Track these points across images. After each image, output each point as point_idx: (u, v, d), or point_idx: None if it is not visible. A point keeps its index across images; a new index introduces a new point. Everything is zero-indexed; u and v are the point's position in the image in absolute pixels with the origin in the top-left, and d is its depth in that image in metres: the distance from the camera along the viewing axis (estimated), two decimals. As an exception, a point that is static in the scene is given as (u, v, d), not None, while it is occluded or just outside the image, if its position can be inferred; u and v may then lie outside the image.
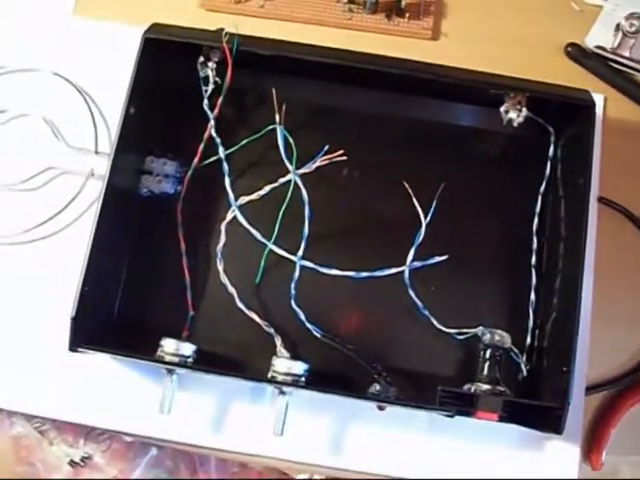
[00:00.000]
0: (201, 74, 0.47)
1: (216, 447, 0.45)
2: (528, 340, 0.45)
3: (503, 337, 0.43)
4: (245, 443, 0.44)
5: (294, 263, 0.42)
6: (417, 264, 0.40)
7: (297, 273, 0.42)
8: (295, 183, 0.42)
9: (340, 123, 0.48)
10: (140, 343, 0.44)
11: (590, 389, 0.46)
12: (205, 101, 0.46)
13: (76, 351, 0.41)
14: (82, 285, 0.41)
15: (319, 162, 0.40)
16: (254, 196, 0.43)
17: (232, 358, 0.45)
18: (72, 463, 0.56)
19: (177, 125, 0.48)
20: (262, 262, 0.43)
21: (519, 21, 0.52)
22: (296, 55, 0.43)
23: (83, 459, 0.56)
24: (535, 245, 0.46)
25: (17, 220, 0.47)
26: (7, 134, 0.49)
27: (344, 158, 0.40)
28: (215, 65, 0.46)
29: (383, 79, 0.45)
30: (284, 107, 0.43)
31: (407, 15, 0.50)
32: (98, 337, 0.42)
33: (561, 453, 0.45)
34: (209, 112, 0.46)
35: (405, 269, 0.41)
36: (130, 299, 0.46)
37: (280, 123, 0.42)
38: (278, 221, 0.42)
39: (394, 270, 0.40)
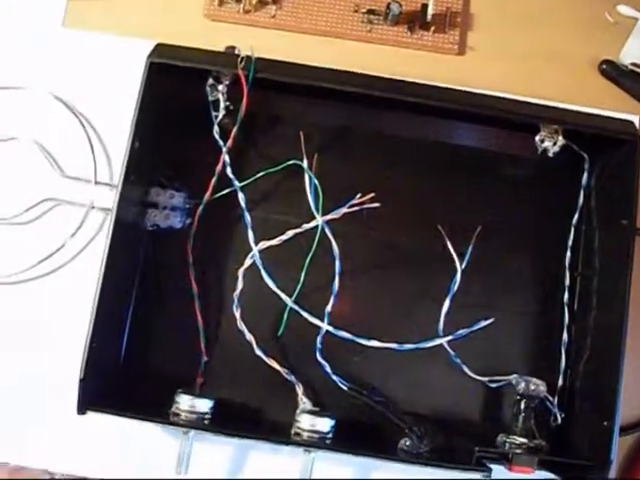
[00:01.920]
0: (210, 97, 0.43)
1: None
2: (560, 381, 0.43)
3: (538, 386, 0.41)
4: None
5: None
6: (463, 332, 0.37)
7: (324, 330, 0.39)
8: (321, 230, 0.38)
9: (362, 146, 0.44)
10: (151, 393, 0.41)
11: (623, 430, 0.45)
12: (215, 128, 0.42)
13: (85, 414, 0.38)
14: (90, 342, 0.38)
15: (347, 209, 0.37)
16: (275, 241, 0.39)
17: (250, 408, 0.42)
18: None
19: (183, 153, 0.44)
20: (284, 318, 0.40)
21: (550, 36, 0.48)
22: (321, 83, 0.39)
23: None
24: (568, 281, 0.44)
25: (12, 257, 0.44)
26: (-5, 161, 0.45)
27: (376, 205, 0.37)
28: (226, 88, 0.42)
29: (413, 104, 0.42)
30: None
31: (432, 28, 0.46)
32: (106, 393, 0.39)
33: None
34: (221, 142, 0.42)
35: (447, 338, 0.38)
36: (137, 345, 0.42)
37: (311, 169, 0.38)
38: (302, 274, 0.39)
39: (438, 341, 0.37)
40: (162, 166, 0.43)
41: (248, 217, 0.39)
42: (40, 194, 0.44)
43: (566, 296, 0.44)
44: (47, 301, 0.43)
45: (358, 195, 0.37)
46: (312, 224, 0.39)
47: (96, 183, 0.44)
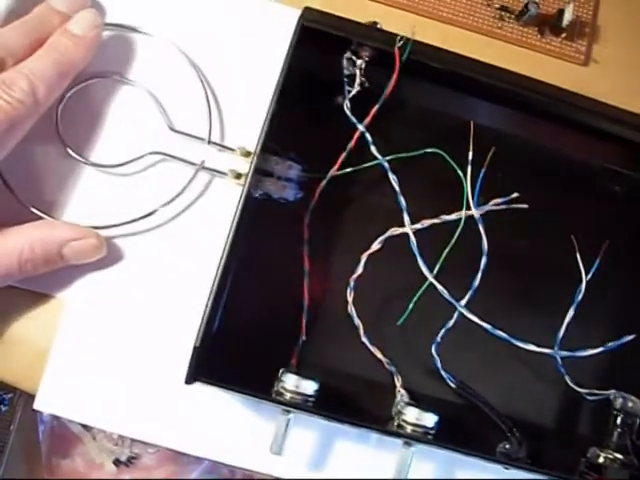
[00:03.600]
0: (346, 72, 0.41)
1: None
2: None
3: (636, 404, 0.41)
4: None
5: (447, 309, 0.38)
6: (612, 345, 0.37)
7: (451, 323, 0.38)
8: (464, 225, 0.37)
9: (504, 151, 0.42)
10: (244, 368, 0.39)
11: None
12: (347, 103, 0.41)
13: (192, 384, 0.36)
14: (211, 307, 0.36)
15: (495, 206, 0.36)
16: (410, 229, 0.38)
17: (345, 395, 0.41)
18: (117, 462, 0.51)
19: (306, 125, 0.42)
20: (412, 302, 0.38)
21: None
22: (481, 78, 0.38)
23: (130, 459, 0.51)
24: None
25: (110, 208, 0.41)
26: (105, 103, 0.42)
27: (525, 206, 0.36)
28: (364, 64, 0.41)
29: (548, 112, 0.41)
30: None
31: (563, 35, 0.46)
32: (206, 364, 0.38)
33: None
34: (352, 117, 0.40)
35: (597, 350, 0.38)
36: (235, 316, 0.41)
37: (484, 167, 0.37)
38: (440, 262, 0.38)
39: (591, 352, 0.37)
40: (283, 135, 0.42)
41: (402, 200, 0.37)
42: (147, 146, 0.42)
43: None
44: (143, 260, 0.41)
45: (514, 194, 0.36)
46: (454, 216, 0.38)
47: (209, 142, 0.42)
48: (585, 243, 0.40)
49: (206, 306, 0.36)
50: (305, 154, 0.42)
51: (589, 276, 0.39)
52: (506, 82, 0.39)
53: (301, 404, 0.38)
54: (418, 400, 0.40)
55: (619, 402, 0.41)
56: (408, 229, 0.37)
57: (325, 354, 0.41)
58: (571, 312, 0.38)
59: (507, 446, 0.40)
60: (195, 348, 0.36)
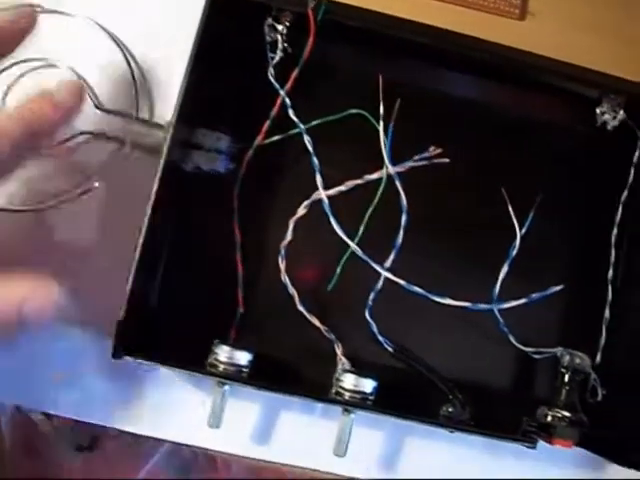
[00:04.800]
0: (267, 38, 0.41)
1: (267, 459, 0.41)
2: (598, 358, 0.43)
3: (583, 360, 0.40)
4: (298, 457, 0.41)
5: (374, 272, 0.37)
6: (536, 296, 0.36)
7: (379, 285, 0.38)
8: (386, 183, 0.36)
9: (425, 106, 0.42)
10: (181, 342, 0.39)
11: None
12: (270, 70, 0.40)
13: (120, 358, 0.36)
14: (134, 280, 0.36)
15: (415, 163, 0.35)
16: (333, 192, 0.37)
17: (285, 365, 0.41)
18: (80, 448, 0.51)
19: (230, 94, 0.42)
20: (339, 267, 0.38)
21: (615, 11, 0.46)
22: (394, 32, 0.37)
23: (91, 444, 0.51)
24: (613, 258, 0.43)
25: (42, 189, 0.41)
26: (30, 87, 0.42)
27: (446, 160, 0.35)
28: (285, 29, 0.40)
29: (475, 63, 0.40)
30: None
31: (495, -11, 0.45)
32: (138, 339, 0.37)
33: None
34: (276, 84, 0.40)
35: (520, 301, 0.37)
36: (170, 291, 0.40)
37: (391, 121, 0.36)
38: (363, 224, 0.37)
39: (514, 303, 0.36)
40: (209, 106, 0.41)
41: (316, 161, 0.37)
42: (76, 126, 0.42)
43: (610, 273, 0.43)
44: (76, 238, 0.41)
45: (432, 148, 0.36)
46: (376, 175, 0.37)
47: (136, 119, 0.42)
48: (518, 198, 0.39)
49: (129, 280, 0.36)
50: (235, 125, 0.42)
51: (523, 230, 0.38)
52: (428, 37, 0.39)
53: (234, 375, 0.37)
54: (361, 367, 0.40)
55: (566, 359, 0.40)
56: (322, 192, 0.36)
57: (264, 325, 0.41)
58: (505, 268, 0.37)
59: (450, 409, 0.39)
60: (119, 322, 0.35)
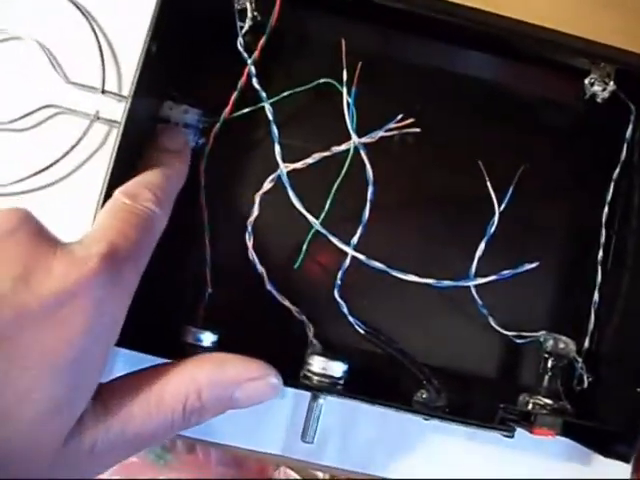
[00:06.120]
0: (236, 6, 0.39)
1: (231, 445, 0.40)
2: (586, 344, 0.41)
3: (568, 345, 0.38)
4: (266, 443, 0.39)
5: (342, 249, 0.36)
6: (507, 273, 0.34)
7: (347, 263, 0.36)
8: (353, 154, 0.35)
9: (400, 76, 0.40)
10: (150, 324, 0.37)
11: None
12: (240, 40, 0.39)
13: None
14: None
15: (386, 132, 0.33)
16: (300, 164, 0.35)
17: (255, 347, 0.39)
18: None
19: (201, 66, 0.40)
20: (304, 245, 0.36)
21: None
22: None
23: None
24: (603, 238, 0.41)
25: (6, 166, 0.40)
26: (-6, 59, 0.41)
27: (417, 130, 0.33)
28: (254, -4, 0.39)
29: (454, 31, 0.38)
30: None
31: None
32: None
33: (610, 467, 0.41)
34: (245, 53, 0.38)
35: (490, 278, 0.35)
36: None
37: (352, 86, 0.34)
38: (329, 199, 0.35)
39: (482, 280, 0.34)
40: (176, 78, 0.40)
41: (275, 132, 0.35)
42: (41, 100, 0.40)
43: (600, 254, 0.41)
44: (45, 215, 0.39)
45: (399, 116, 0.34)
46: (344, 147, 0.35)
47: (103, 92, 0.40)
48: (499, 173, 0.37)
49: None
50: (204, 98, 0.40)
51: (502, 207, 0.36)
52: (404, 2, 0.36)
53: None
54: (333, 350, 0.38)
55: (550, 344, 0.38)
56: (281, 166, 0.34)
57: (233, 306, 0.39)
58: (482, 245, 0.35)
59: (424, 395, 0.37)
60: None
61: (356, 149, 0.35)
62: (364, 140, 0.35)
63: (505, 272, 0.34)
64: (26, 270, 0.26)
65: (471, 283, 0.34)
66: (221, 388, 0.31)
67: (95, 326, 0.27)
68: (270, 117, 0.35)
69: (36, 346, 0.25)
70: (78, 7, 0.41)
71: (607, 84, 0.39)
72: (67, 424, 0.27)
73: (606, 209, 0.41)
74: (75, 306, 0.26)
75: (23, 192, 0.40)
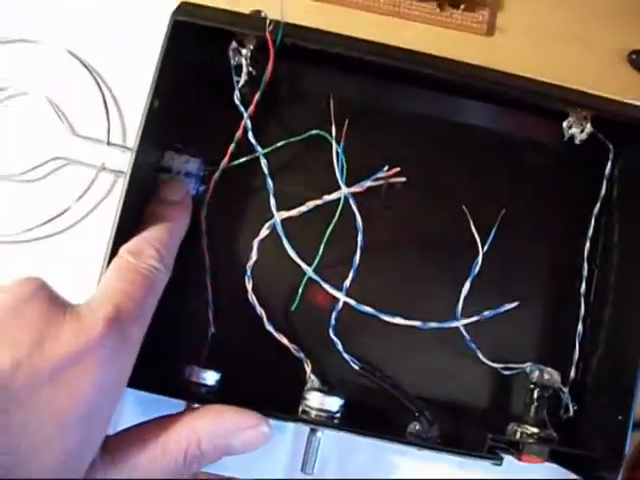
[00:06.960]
0: (233, 62, 0.41)
1: (234, 477, 0.42)
2: (572, 374, 0.42)
3: (552, 375, 0.40)
4: (268, 475, 0.41)
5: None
6: (488, 314, 0.36)
7: (340, 305, 0.38)
8: (344, 203, 0.37)
9: (388, 124, 0.43)
10: (155, 364, 0.39)
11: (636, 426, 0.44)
12: (236, 93, 0.41)
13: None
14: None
15: (373, 182, 0.36)
16: (294, 212, 0.38)
17: (256, 384, 0.41)
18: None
19: (201, 118, 0.42)
20: (300, 289, 0.38)
21: (582, 22, 0.47)
22: (353, 53, 0.37)
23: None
24: (586, 272, 0.43)
25: (17, 215, 0.42)
26: (4, 115, 0.43)
27: (403, 180, 0.36)
28: (249, 53, 0.41)
29: (438, 81, 0.40)
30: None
31: (462, 6, 0.45)
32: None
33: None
34: (241, 107, 0.40)
35: (472, 319, 0.37)
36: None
37: (339, 141, 0.37)
38: (322, 245, 0.37)
39: (465, 321, 0.36)
40: (178, 130, 0.42)
41: (270, 183, 0.37)
42: (49, 152, 0.43)
43: (583, 287, 0.43)
44: (52, 263, 0.42)
45: (385, 168, 0.36)
46: (334, 196, 0.37)
47: (108, 144, 0.43)
48: (482, 215, 0.39)
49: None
50: (205, 149, 0.42)
51: (486, 247, 0.38)
52: (391, 58, 0.39)
53: (203, 395, 0.38)
54: (330, 385, 0.40)
55: (535, 375, 0.40)
56: (276, 215, 0.36)
57: (234, 346, 0.41)
58: (467, 284, 0.37)
59: (417, 427, 0.39)
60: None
61: (346, 198, 0.37)
62: (353, 190, 0.37)
63: (486, 313, 0.37)
64: (40, 334, 0.28)
65: (456, 324, 0.36)
66: (219, 438, 0.34)
67: (103, 383, 0.29)
68: (265, 170, 0.38)
69: (48, 405, 0.28)
70: (84, 64, 0.43)
71: (584, 126, 0.42)
72: (77, 474, 0.29)
73: (588, 244, 0.43)
74: (84, 367, 0.29)
75: (30, 240, 0.42)
